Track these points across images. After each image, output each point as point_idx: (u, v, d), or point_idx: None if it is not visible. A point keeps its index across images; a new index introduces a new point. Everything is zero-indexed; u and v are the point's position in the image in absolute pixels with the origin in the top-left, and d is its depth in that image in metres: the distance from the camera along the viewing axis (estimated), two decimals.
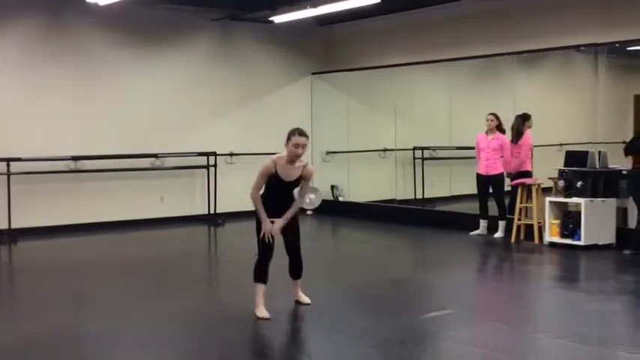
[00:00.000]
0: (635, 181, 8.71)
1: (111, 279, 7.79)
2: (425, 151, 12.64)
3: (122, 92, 11.29)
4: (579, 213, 8.98)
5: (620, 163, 9.16)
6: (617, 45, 9.73)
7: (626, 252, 8.63)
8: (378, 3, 9.88)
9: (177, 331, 5.85)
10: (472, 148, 10.31)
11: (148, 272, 8.14)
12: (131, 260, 8.85)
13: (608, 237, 9.02)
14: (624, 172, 9.02)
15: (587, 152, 9.31)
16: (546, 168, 10.04)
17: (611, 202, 9.07)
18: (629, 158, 8.83)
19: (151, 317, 6.23)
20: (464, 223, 10.49)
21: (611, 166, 9.24)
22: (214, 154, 11.85)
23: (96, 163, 10.86)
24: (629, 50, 10.58)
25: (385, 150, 12.78)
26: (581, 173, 9.13)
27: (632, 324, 6.06)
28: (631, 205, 8.92)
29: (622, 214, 9.16)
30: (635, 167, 8.71)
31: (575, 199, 9.09)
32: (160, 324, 6.03)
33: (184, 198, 11.89)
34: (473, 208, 10.36)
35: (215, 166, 11.85)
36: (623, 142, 9.19)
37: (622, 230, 9.03)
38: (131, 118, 11.33)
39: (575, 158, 9.36)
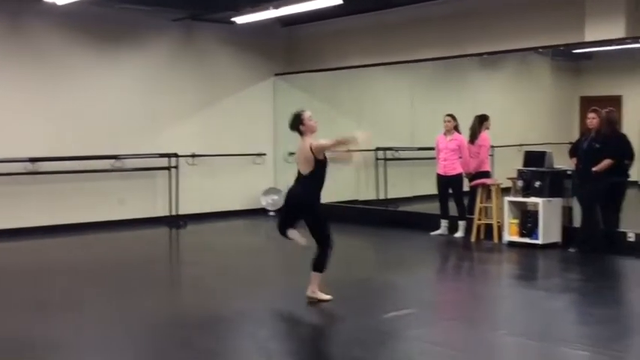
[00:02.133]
0: (579, 182, 8.90)
1: (70, 282, 7.69)
2: (387, 152, 12.72)
3: (82, 93, 11.15)
4: (537, 212, 9.12)
5: (566, 163, 9.35)
6: (561, 48, 9.93)
7: (572, 250, 8.82)
8: (340, 4, 9.91)
9: (137, 334, 5.81)
10: (433, 148, 10.41)
11: (107, 275, 8.06)
12: (91, 263, 8.76)
13: (555, 235, 9.20)
14: (569, 173, 9.21)
15: (544, 152, 9.47)
16: (506, 168, 10.19)
17: (557, 202, 9.26)
18: (574, 159, 9.02)
19: (110, 320, 6.18)
20: (425, 223, 10.58)
21: (556, 166, 9.42)
22: (176, 155, 11.77)
23: (55, 165, 10.70)
24: (574, 53, 10.80)
25: (348, 151, 12.80)
26: (539, 173, 9.28)
27: (585, 321, 6.17)
28: (575, 204, 9.13)
29: (567, 213, 9.35)
30: (579, 168, 8.89)
31: (533, 199, 9.24)
32: (119, 327, 5.99)
33: (145, 200, 11.78)
34: (434, 208, 10.46)
35: (176, 167, 11.78)
36: (570, 143, 9.38)
37: (567, 229, 9.23)
38: (91, 119, 11.20)
39: (533, 158, 9.51)
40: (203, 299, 6.89)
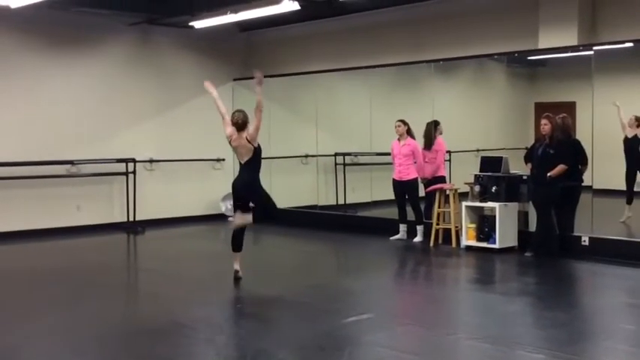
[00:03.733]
0: (533, 187, 9.04)
1: (24, 290, 7.56)
2: (346, 157, 12.77)
3: (37, 97, 10.98)
4: (494, 217, 9.24)
5: (522, 168, 9.49)
6: (516, 55, 10.10)
7: (528, 254, 8.95)
8: (298, 10, 9.92)
9: (91, 342, 5.72)
10: (390, 154, 10.47)
11: (63, 282, 7.92)
12: (46, 270, 8.61)
13: (512, 240, 9.33)
14: (524, 178, 9.35)
15: (501, 158, 9.60)
16: (464, 173, 10.29)
17: (514, 207, 9.39)
18: (529, 165, 9.15)
19: (65, 328, 6.08)
20: (384, 228, 10.62)
21: (512, 171, 9.56)
22: (133, 160, 11.65)
23: (9, 170, 10.50)
24: (529, 60, 10.99)
25: (307, 156, 12.83)
26: (496, 178, 9.40)
27: (541, 324, 6.26)
28: (531, 209, 9.26)
29: (523, 217, 9.48)
30: (533, 173, 9.03)
31: (490, 204, 9.35)
32: (73, 335, 5.89)
33: (102, 206, 11.63)
34: (393, 213, 10.52)
35: (134, 172, 11.65)
36: (525, 149, 9.53)
37: (523, 233, 9.36)
38: (46, 123, 11.03)
39: (489, 163, 9.63)
40: (160, 306, 6.82)
